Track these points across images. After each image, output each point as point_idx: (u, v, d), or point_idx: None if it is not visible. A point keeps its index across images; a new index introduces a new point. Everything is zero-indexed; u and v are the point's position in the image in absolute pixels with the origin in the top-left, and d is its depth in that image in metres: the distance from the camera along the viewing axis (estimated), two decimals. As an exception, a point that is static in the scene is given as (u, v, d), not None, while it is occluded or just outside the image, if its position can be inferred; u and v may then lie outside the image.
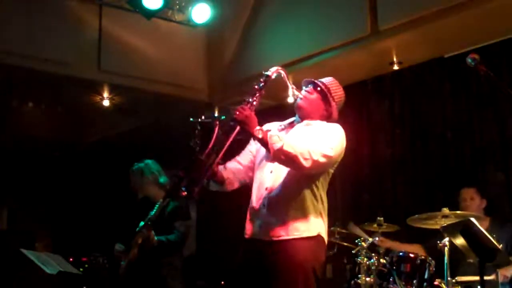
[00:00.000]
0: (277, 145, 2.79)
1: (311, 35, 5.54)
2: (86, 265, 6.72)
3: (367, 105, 6.00)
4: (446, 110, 5.35)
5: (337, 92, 3.14)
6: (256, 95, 2.91)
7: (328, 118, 3.12)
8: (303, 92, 3.12)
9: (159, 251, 4.30)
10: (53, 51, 5.64)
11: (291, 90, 3.06)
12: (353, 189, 6.02)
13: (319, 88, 3.10)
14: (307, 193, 2.95)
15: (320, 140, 2.90)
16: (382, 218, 4.51)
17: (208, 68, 6.66)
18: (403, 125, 5.69)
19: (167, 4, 5.66)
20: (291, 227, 2.91)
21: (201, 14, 5.87)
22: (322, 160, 2.84)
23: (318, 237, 2.94)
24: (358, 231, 4.61)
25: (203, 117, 3.30)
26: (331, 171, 3.05)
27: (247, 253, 3.04)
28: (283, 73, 3.00)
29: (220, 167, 3.04)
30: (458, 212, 4.11)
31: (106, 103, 6.72)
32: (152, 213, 4.24)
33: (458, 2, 4.48)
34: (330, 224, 4.74)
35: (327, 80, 3.17)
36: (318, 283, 2.89)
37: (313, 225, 2.93)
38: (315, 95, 3.10)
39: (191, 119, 3.18)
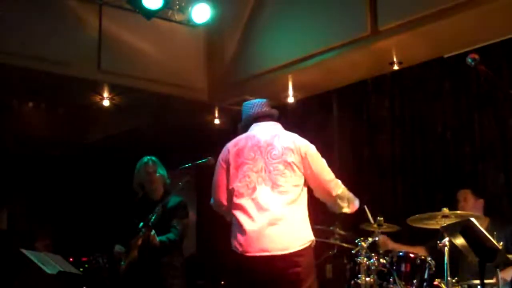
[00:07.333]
0: None
1: (311, 35, 5.54)
2: (86, 265, 6.73)
3: (367, 105, 6.00)
4: (446, 110, 5.35)
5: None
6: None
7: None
8: None
9: (161, 251, 4.31)
10: (53, 51, 5.63)
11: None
12: (353, 189, 6.01)
13: None
14: None
15: None
16: (382, 218, 4.50)
17: (208, 68, 6.66)
18: (403, 125, 5.69)
19: (167, 4, 5.65)
20: None
21: (201, 14, 5.87)
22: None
23: None
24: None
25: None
26: None
27: None
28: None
29: None
30: (458, 212, 4.10)
31: (106, 103, 6.71)
32: (153, 217, 4.22)
33: (458, 2, 4.47)
34: (330, 224, 4.77)
35: None
36: None
37: None
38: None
39: None
